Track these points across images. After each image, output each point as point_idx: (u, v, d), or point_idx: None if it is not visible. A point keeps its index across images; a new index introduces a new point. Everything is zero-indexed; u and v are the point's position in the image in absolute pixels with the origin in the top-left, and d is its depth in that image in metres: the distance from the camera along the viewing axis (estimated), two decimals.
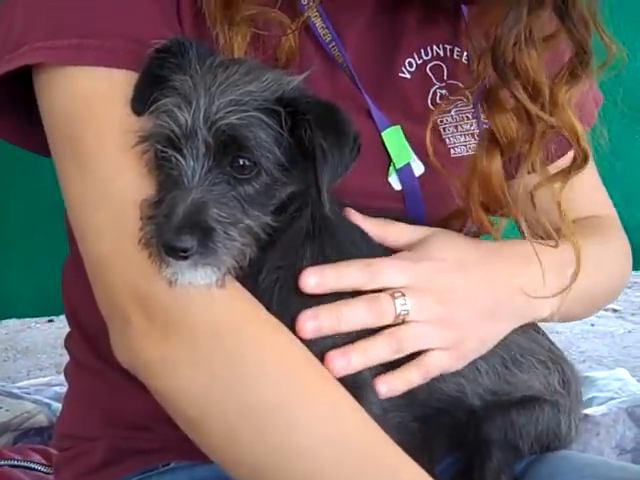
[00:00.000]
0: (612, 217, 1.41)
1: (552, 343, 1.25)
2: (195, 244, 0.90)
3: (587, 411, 2.00)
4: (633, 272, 1.47)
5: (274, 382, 0.97)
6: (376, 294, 1.06)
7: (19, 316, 3.04)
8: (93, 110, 1.00)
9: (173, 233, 0.90)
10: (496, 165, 1.14)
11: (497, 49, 1.09)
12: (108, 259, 0.99)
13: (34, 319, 3.31)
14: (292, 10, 1.12)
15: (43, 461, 1.61)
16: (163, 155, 0.95)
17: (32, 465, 1.59)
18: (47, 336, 3.40)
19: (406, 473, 0.97)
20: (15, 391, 1.95)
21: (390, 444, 0.98)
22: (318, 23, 1.17)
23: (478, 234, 1.21)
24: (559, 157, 1.26)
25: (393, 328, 1.06)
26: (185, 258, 0.90)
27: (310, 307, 1.03)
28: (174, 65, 0.98)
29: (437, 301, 1.09)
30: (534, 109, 1.10)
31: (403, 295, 1.06)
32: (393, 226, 1.13)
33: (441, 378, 1.13)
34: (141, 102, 0.98)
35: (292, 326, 1.02)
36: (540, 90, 1.10)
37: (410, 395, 1.12)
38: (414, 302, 1.07)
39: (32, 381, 2.20)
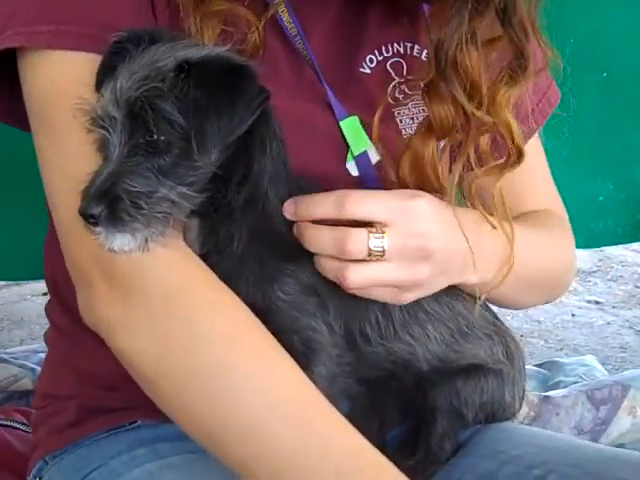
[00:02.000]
0: (560, 213, 1.47)
1: (497, 318, 1.32)
2: (101, 211, 0.99)
3: (549, 393, 2.08)
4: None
5: (220, 343, 1.04)
6: (349, 228, 1.10)
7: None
8: (65, 92, 1.08)
9: (85, 202, 1.00)
10: (428, 148, 1.20)
11: (439, 49, 1.16)
12: (73, 226, 1.06)
13: (30, 289, 3.41)
14: (261, 4, 1.20)
15: (25, 421, 1.68)
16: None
17: (15, 424, 1.67)
18: (42, 308, 3.47)
19: (336, 438, 1.03)
20: (3, 356, 2.04)
21: (323, 408, 1.04)
22: (285, 17, 1.23)
23: None
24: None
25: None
26: (96, 224, 1.00)
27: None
28: (129, 54, 1.06)
29: (415, 250, 1.13)
30: (470, 107, 1.17)
31: (383, 231, 1.10)
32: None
33: (396, 338, 1.20)
34: (100, 88, 1.07)
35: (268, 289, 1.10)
36: (478, 89, 1.17)
37: (363, 355, 1.19)
38: (393, 242, 1.10)
39: (20, 347, 2.29)
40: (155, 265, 1.05)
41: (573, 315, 3.73)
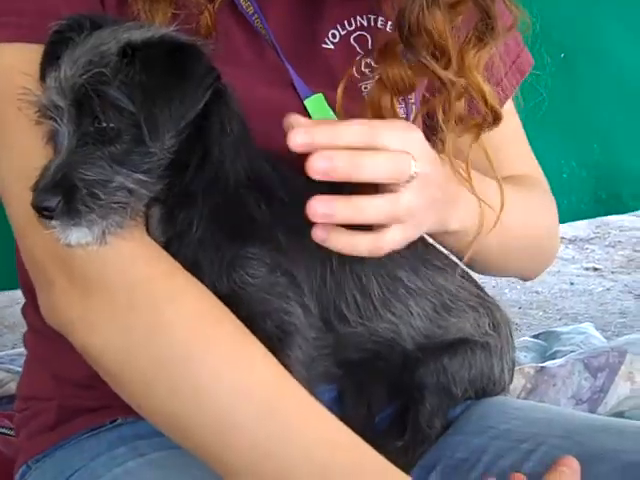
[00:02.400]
0: (539, 177, 1.45)
1: (481, 289, 1.29)
2: (57, 203, 0.94)
3: (545, 363, 2.05)
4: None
5: (187, 333, 1.01)
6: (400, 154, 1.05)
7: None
8: (11, 85, 1.04)
9: (38, 194, 0.95)
10: (385, 101, 1.17)
11: (402, 15, 1.13)
12: (27, 224, 1.03)
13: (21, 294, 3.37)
14: None
15: (11, 425, 1.66)
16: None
17: (1, 430, 1.65)
18: None
19: (312, 429, 1.00)
20: None
21: (299, 398, 1.01)
22: None
23: None
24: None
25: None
26: (51, 218, 0.95)
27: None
28: (71, 42, 1.02)
29: (433, 177, 1.09)
30: (443, 73, 1.14)
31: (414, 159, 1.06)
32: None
33: (377, 317, 1.17)
34: (44, 78, 1.03)
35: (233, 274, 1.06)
36: (445, 52, 1.14)
37: (343, 337, 1.16)
38: (420, 168, 1.06)
39: (7, 351, 2.26)
40: (115, 258, 1.02)
41: (572, 283, 3.71)
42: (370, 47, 1.27)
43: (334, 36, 1.27)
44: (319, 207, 1.00)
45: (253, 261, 1.09)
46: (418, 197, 1.07)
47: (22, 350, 2.21)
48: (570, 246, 4.07)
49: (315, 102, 1.22)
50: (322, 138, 1.00)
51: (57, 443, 1.28)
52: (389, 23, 1.28)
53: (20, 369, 1.94)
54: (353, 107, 1.20)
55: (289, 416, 1.00)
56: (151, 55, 0.98)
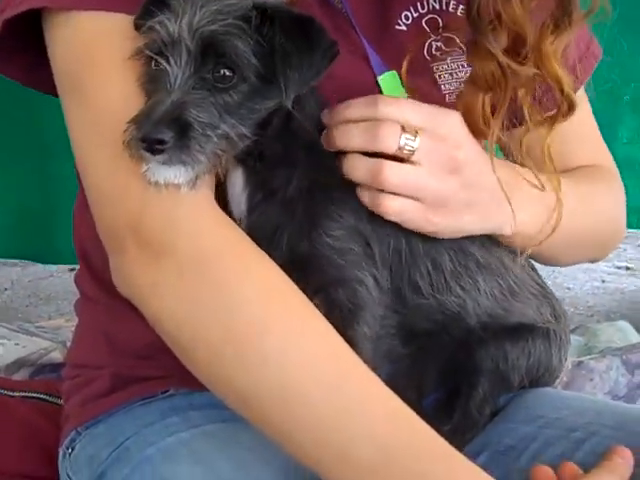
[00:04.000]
0: (609, 167, 1.44)
1: (542, 279, 1.30)
2: (172, 136, 0.96)
3: (583, 358, 2.06)
4: None
5: (253, 307, 1.02)
6: (380, 120, 1.10)
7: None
8: (94, 51, 1.06)
9: (151, 126, 0.96)
10: (477, 101, 1.18)
11: (472, 1, 1.13)
12: (106, 192, 1.05)
13: (56, 265, 3.42)
14: None
15: (52, 392, 1.67)
16: (155, 67, 1.02)
17: (40, 396, 1.66)
18: (68, 284, 3.49)
19: (374, 404, 1.01)
20: (32, 330, 2.04)
21: (361, 372, 1.02)
22: None
23: None
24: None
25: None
26: (161, 151, 0.96)
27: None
28: None
29: (445, 157, 1.12)
30: (511, 62, 1.14)
31: (416, 133, 1.10)
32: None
33: (447, 290, 1.18)
34: (142, 19, 1.05)
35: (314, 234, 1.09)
36: (523, 41, 1.14)
37: (414, 307, 1.17)
38: (424, 144, 1.10)
39: (50, 322, 2.29)
40: (187, 226, 1.03)
41: (603, 281, 3.68)
42: (440, 30, 1.28)
43: (407, 18, 1.28)
44: None
45: (334, 223, 1.10)
46: (429, 175, 1.11)
47: (64, 320, 2.26)
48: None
49: (389, 79, 1.23)
50: (336, 112, 1.12)
51: (109, 410, 1.29)
52: (460, 7, 1.28)
53: (63, 339, 1.98)
54: (424, 87, 1.23)
55: (354, 391, 1.01)
56: (288, 20, 1.02)
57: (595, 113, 1.44)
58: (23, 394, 1.67)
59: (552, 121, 1.21)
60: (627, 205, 1.45)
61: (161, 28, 1.01)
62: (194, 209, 1.03)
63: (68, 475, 1.31)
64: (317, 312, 1.04)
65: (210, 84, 1.00)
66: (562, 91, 1.19)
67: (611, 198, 1.41)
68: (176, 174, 0.98)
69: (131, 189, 1.03)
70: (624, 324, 2.38)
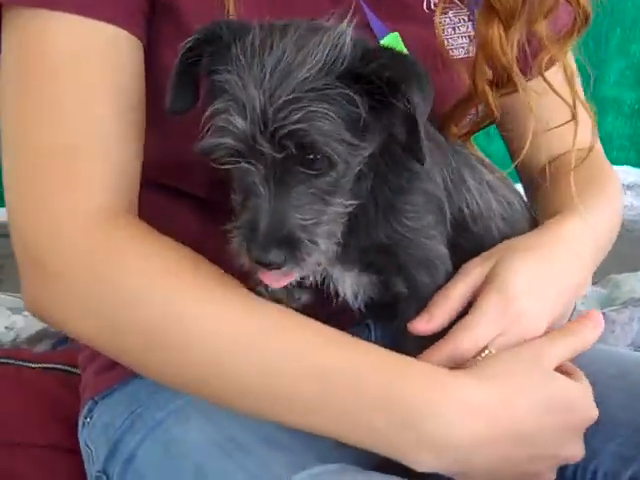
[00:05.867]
0: (598, 150, 1.41)
1: None
2: (284, 257, 0.92)
3: (604, 310, 2.05)
4: None
5: (159, 295, 1.01)
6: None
7: None
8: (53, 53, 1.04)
9: (261, 250, 0.91)
10: (496, 31, 1.19)
11: None
12: (12, 196, 1.06)
13: None
14: None
15: (71, 362, 1.68)
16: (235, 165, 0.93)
17: (59, 367, 1.68)
18: None
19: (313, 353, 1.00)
20: None
21: (292, 325, 1.02)
22: None
23: (480, 121, 1.28)
24: None
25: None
26: (278, 268, 0.93)
27: None
28: (210, 54, 0.95)
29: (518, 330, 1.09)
30: None
31: (489, 348, 1.07)
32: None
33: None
34: (180, 102, 0.98)
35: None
36: None
37: (480, 237, 1.18)
38: (499, 346, 1.07)
39: None
40: (75, 246, 1.02)
41: (628, 230, 3.66)
42: None
43: None
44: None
45: (410, 199, 1.07)
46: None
47: None
48: (628, 192, 4.00)
49: (391, 40, 1.22)
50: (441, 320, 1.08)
51: (123, 379, 1.31)
52: None
53: None
54: (429, 39, 1.23)
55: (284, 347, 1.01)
56: (403, 76, 0.91)
57: (584, 56, 1.42)
58: (44, 365, 1.69)
59: (570, 36, 1.24)
60: (615, 142, 1.44)
61: (226, 128, 0.90)
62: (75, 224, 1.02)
63: (86, 444, 1.34)
64: (226, 277, 1.04)
65: (303, 174, 0.91)
66: (578, 2, 1.21)
67: (616, 201, 1.38)
68: (291, 281, 0.98)
69: (28, 209, 1.04)
70: None
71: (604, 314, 1.98)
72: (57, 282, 1.03)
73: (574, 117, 1.26)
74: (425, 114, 0.92)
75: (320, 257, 0.96)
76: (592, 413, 1.07)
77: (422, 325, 1.07)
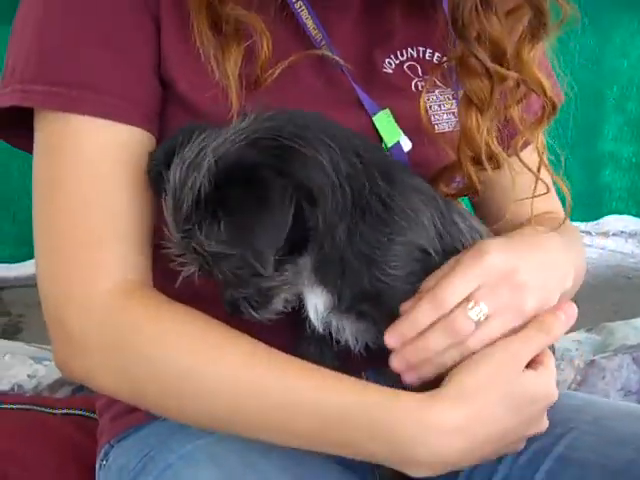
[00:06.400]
0: (560, 213, 1.50)
1: None
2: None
3: (595, 357, 2.12)
4: None
5: (175, 352, 1.19)
6: (450, 316, 1.13)
7: None
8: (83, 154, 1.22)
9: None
10: (475, 121, 1.28)
11: (456, 13, 1.24)
12: (44, 275, 1.23)
13: None
14: (274, 11, 1.28)
15: (89, 408, 1.77)
16: None
17: (78, 412, 1.78)
18: None
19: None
20: None
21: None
22: (310, 24, 1.31)
23: (463, 190, 1.37)
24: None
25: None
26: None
27: None
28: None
29: (508, 288, 1.15)
30: (492, 66, 1.24)
31: (476, 302, 1.13)
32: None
33: None
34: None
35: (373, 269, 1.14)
36: (504, 52, 1.25)
37: None
38: (488, 301, 1.14)
39: None
40: (100, 315, 1.19)
41: (629, 278, 3.71)
42: (420, 74, 1.39)
43: (390, 64, 1.38)
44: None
45: (391, 250, 1.14)
46: (505, 322, 1.15)
47: None
48: (630, 240, 4.04)
49: (382, 117, 1.32)
50: (406, 330, 1.14)
51: (137, 424, 1.40)
52: (436, 54, 1.40)
53: None
54: (416, 119, 1.32)
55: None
56: (227, 198, 1.06)
57: (582, 113, 1.51)
58: (64, 411, 1.78)
59: (539, 123, 1.32)
60: (615, 195, 1.51)
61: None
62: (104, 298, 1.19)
63: None
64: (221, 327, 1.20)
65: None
66: (545, 94, 1.29)
67: (582, 248, 1.48)
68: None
69: (57, 279, 1.22)
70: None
71: (594, 361, 2.06)
72: (84, 353, 1.20)
73: (549, 190, 1.36)
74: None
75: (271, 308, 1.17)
76: (553, 398, 1.17)
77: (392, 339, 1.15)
